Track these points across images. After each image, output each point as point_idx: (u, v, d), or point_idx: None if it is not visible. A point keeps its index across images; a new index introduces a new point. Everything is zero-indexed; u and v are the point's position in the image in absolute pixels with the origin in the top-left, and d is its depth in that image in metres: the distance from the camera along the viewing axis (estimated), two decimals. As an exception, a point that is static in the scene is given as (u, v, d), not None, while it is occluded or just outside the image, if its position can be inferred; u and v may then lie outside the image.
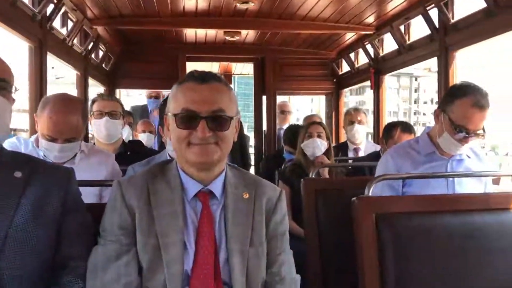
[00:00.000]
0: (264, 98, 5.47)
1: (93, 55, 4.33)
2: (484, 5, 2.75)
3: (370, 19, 4.02)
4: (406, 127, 3.28)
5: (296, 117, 5.74)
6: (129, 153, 2.98)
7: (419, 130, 8.21)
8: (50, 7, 3.13)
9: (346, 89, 5.63)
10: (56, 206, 1.32)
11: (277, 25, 4.24)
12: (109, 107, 2.85)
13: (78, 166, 1.87)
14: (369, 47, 4.48)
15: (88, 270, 1.30)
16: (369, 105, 5.00)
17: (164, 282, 1.25)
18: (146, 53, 5.16)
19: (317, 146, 3.20)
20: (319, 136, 3.23)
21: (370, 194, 1.86)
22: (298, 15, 4.00)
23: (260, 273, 1.35)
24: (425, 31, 3.45)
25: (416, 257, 1.72)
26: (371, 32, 4.24)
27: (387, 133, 3.31)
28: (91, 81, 4.25)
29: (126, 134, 3.87)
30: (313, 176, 2.73)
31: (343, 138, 5.10)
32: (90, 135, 3.80)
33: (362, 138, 4.16)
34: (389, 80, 4.57)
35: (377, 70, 4.38)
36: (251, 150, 5.78)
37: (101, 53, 4.65)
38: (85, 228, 1.38)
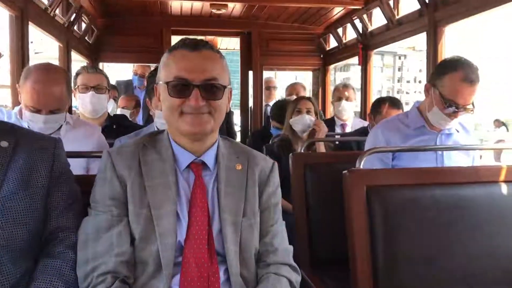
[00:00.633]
0: (250, 73, 5.41)
1: (75, 27, 4.21)
2: (474, -20, 2.74)
3: (359, -7, 3.98)
4: (394, 103, 3.28)
5: (281, 94, 5.70)
6: (115, 126, 2.93)
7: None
8: (31, -25, 3.01)
9: (332, 66, 5.60)
10: (44, 176, 1.28)
11: (265, -3, 4.16)
12: (94, 81, 2.77)
13: (64, 138, 1.81)
14: (357, 22, 4.43)
15: (79, 241, 1.28)
16: (353, 82, 4.99)
17: (157, 253, 1.24)
18: (130, 26, 5.04)
19: (306, 122, 3.18)
20: (308, 112, 3.20)
21: (361, 167, 1.86)
22: (286, -13, 3.93)
23: (253, 244, 1.35)
24: (415, 6, 3.42)
25: (405, 228, 1.74)
26: (360, 7, 4.18)
27: (375, 109, 3.31)
28: (73, 56, 4.14)
29: (111, 108, 3.80)
30: (302, 151, 2.73)
31: (329, 114, 5.10)
32: (73, 110, 3.72)
33: (350, 115, 4.16)
34: (373, 58, 4.55)
35: (365, 45, 4.36)
36: (237, 128, 5.75)
37: (84, 26, 4.53)
38: (74, 199, 1.36)
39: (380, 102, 3.33)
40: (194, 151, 1.35)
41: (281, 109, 3.67)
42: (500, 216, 1.80)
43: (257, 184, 1.39)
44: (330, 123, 4.16)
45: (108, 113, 3.08)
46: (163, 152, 1.35)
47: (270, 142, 3.42)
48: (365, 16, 4.26)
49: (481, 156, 2.83)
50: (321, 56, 5.45)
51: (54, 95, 1.91)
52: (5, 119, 2.06)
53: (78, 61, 4.56)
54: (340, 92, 4.09)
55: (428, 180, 1.82)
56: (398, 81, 72.78)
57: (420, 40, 3.33)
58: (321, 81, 5.53)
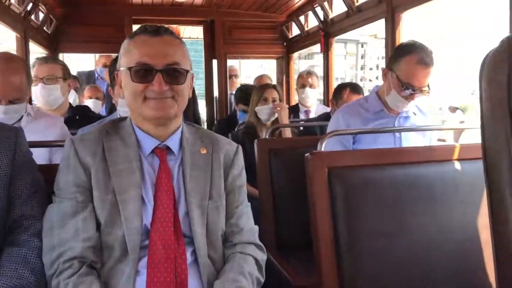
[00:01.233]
0: (214, 62, 5.40)
1: (33, 17, 4.09)
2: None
3: (319, -20, 4.03)
4: (355, 88, 3.37)
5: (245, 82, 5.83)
6: (78, 117, 2.88)
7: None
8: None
9: (295, 54, 5.66)
10: (6, 165, 1.27)
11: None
12: (44, 72, 2.69)
13: (25, 129, 1.80)
14: (318, 10, 4.49)
15: (44, 228, 1.28)
16: (318, 70, 5.07)
17: (123, 237, 1.26)
18: (90, 16, 4.92)
19: (272, 111, 3.21)
20: (274, 101, 3.25)
21: (323, 149, 1.91)
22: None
23: (220, 225, 1.38)
24: (373, -8, 3.50)
25: (365, 207, 1.80)
26: (321, -6, 4.25)
27: (337, 94, 3.39)
28: (34, 47, 4.03)
29: (72, 99, 3.73)
30: (267, 137, 2.77)
31: (293, 102, 5.18)
32: (33, 103, 3.64)
33: (313, 101, 4.24)
34: (336, 47, 4.63)
35: (326, 33, 4.42)
36: (203, 117, 5.75)
37: (42, 15, 4.40)
38: (37, 188, 1.35)
39: (341, 87, 3.41)
40: (158, 136, 1.37)
41: (246, 92, 3.75)
42: (454, 192, 1.88)
43: (222, 167, 1.42)
44: (294, 110, 4.23)
45: (70, 104, 3.03)
46: (126, 138, 1.36)
47: (235, 129, 3.46)
48: (326, 3, 4.32)
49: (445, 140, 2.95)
50: (284, 44, 5.49)
51: (14, 84, 1.88)
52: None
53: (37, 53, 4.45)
54: (304, 79, 4.16)
55: (386, 160, 1.89)
56: (361, 68, 73.90)
57: (381, 27, 3.40)
58: (285, 69, 5.58)
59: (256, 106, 3.26)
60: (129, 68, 1.30)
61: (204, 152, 1.41)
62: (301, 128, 3.63)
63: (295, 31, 5.33)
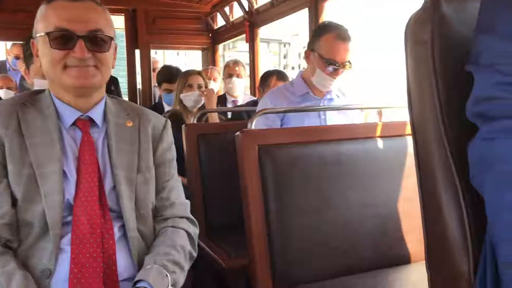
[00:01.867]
0: (137, 53, 5.24)
1: None
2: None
3: (243, -29, 4.05)
4: (281, 75, 3.44)
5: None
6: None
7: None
8: None
9: (221, 45, 5.64)
10: None
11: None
12: None
13: None
14: (243, 0, 4.51)
15: None
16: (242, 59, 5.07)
17: (43, 213, 1.17)
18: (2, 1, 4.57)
19: (198, 98, 3.16)
20: (199, 87, 3.20)
21: (252, 127, 1.92)
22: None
23: (149, 199, 1.33)
24: (296, -18, 3.58)
25: (294, 183, 1.83)
26: (245, -16, 4.27)
27: (264, 82, 3.44)
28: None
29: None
30: (194, 122, 2.73)
31: (220, 92, 5.14)
32: None
33: (240, 92, 4.24)
34: (260, 45, 4.67)
35: (251, 23, 4.45)
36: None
37: None
38: None
39: (268, 75, 3.46)
40: (79, 108, 1.28)
41: (167, 70, 3.80)
42: (376, 168, 1.97)
43: (150, 140, 1.37)
44: (222, 100, 4.21)
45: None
46: (44, 110, 1.26)
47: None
48: (251, -6, 4.36)
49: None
50: (210, 35, 5.46)
51: None
52: None
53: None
54: (230, 69, 4.14)
55: (313, 138, 1.93)
56: (284, 68, 75.49)
57: (303, 27, 3.48)
58: (211, 60, 5.54)
59: (181, 93, 3.19)
60: (48, 34, 1.20)
61: (130, 125, 1.35)
62: (229, 116, 3.62)
63: (220, 22, 5.31)
